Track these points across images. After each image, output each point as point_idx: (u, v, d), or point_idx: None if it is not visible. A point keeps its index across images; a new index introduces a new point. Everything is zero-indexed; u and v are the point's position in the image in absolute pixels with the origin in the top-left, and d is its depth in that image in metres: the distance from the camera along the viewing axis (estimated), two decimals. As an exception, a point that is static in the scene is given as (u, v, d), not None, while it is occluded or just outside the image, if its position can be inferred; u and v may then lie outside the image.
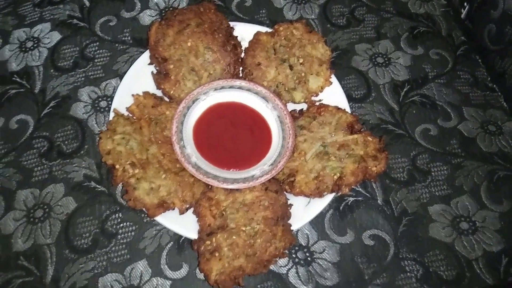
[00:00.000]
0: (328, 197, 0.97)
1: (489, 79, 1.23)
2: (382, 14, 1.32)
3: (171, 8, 1.30)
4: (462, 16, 1.36)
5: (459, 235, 1.01)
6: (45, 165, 1.05)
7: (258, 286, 0.95)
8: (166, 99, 1.08)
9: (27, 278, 0.94)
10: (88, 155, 1.07)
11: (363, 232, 1.00)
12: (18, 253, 0.96)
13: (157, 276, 0.95)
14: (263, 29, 1.15)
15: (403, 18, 1.31)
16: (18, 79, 1.17)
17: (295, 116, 1.06)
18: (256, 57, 1.09)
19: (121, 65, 1.19)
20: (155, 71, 1.10)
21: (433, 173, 1.08)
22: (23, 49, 1.22)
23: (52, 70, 1.18)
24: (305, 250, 0.98)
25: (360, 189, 1.05)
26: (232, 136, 1.03)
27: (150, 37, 1.08)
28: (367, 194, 1.04)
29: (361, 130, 1.01)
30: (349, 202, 1.03)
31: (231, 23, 1.13)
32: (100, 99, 1.15)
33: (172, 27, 1.07)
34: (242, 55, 1.12)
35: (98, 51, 1.21)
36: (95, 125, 1.11)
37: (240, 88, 1.06)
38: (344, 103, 1.08)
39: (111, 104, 1.08)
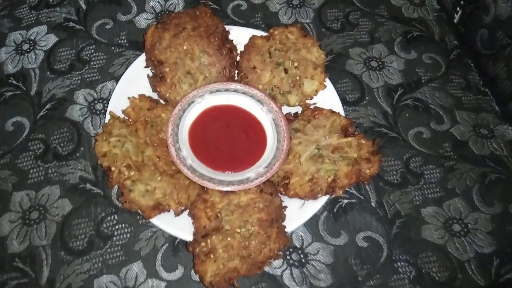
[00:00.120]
0: (322, 199, 0.98)
1: (481, 83, 1.24)
2: (376, 18, 1.33)
3: (167, 12, 1.31)
4: (455, 20, 1.38)
5: (451, 237, 1.02)
6: (41, 167, 1.05)
7: (253, 287, 0.95)
8: (162, 101, 1.08)
9: (22, 280, 0.94)
10: (84, 157, 1.07)
11: (356, 234, 1.01)
12: (13, 255, 0.96)
13: (153, 278, 0.95)
14: (259, 33, 1.16)
15: (397, 22, 1.33)
16: (14, 82, 1.17)
17: (289, 119, 1.07)
18: (252, 61, 1.10)
19: (117, 68, 1.19)
20: (151, 74, 1.10)
21: (426, 176, 1.09)
22: (19, 51, 1.22)
23: (48, 73, 1.19)
24: (300, 251, 0.99)
25: (354, 191, 1.06)
26: (228, 138, 1.04)
27: (146, 40, 1.09)
28: (361, 197, 1.05)
29: (355, 133, 1.02)
30: (343, 204, 1.04)
31: (227, 27, 1.14)
32: (96, 101, 1.15)
33: (168, 30, 1.08)
34: (238, 58, 1.12)
35: (94, 54, 1.22)
36: (91, 127, 1.11)
37: (235, 91, 1.07)
38: (338, 107, 1.09)
39: (107, 106, 1.09)
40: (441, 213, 1.04)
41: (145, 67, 1.11)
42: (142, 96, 1.05)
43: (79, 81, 1.18)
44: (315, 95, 1.10)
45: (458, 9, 1.36)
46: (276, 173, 0.98)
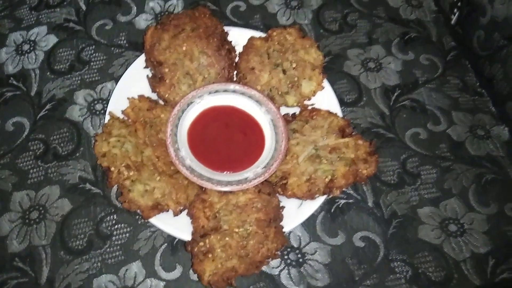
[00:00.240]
0: (320, 200, 0.99)
1: (478, 84, 1.25)
2: (374, 20, 1.33)
3: (166, 13, 1.31)
4: (452, 22, 1.38)
5: (447, 237, 1.03)
6: (41, 167, 1.06)
7: (251, 286, 0.96)
8: (161, 102, 1.09)
9: (22, 279, 0.95)
10: (84, 157, 1.08)
11: (353, 234, 1.02)
12: (13, 254, 0.97)
13: (151, 277, 0.96)
14: (257, 34, 1.16)
15: (394, 23, 1.33)
16: (14, 82, 1.18)
17: (288, 119, 1.08)
18: (250, 62, 1.11)
19: (117, 68, 1.20)
20: (150, 75, 1.11)
21: (422, 176, 1.10)
22: (20, 52, 1.23)
23: (48, 73, 1.19)
24: (297, 251, 1.00)
25: (351, 191, 1.07)
26: (226, 139, 1.05)
27: (145, 41, 1.09)
28: (358, 197, 1.06)
29: (352, 133, 1.03)
30: (340, 204, 1.05)
31: (226, 28, 1.14)
32: (95, 102, 1.16)
33: (168, 31, 1.08)
34: (237, 59, 1.13)
35: (94, 55, 1.22)
36: (91, 127, 1.12)
37: (234, 91, 1.08)
38: (336, 107, 1.10)
39: (106, 107, 1.09)
40: (438, 213, 1.05)
41: (144, 67, 1.12)
42: (141, 97, 1.06)
43: (79, 81, 1.18)
44: (313, 96, 1.11)
45: (455, 10, 1.37)
46: (274, 173, 0.99)
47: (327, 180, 0.97)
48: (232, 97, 1.08)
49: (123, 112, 1.04)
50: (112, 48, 1.24)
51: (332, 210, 1.04)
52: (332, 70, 1.23)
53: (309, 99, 1.11)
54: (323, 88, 1.11)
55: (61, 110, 1.14)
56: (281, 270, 0.98)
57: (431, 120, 1.18)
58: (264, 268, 0.96)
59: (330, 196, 1.00)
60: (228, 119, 1.07)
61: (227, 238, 0.90)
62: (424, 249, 1.01)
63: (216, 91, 1.07)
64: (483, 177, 1.10)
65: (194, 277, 0.94)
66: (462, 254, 1.01)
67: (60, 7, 1.31)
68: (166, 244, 0.99)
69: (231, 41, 1.13)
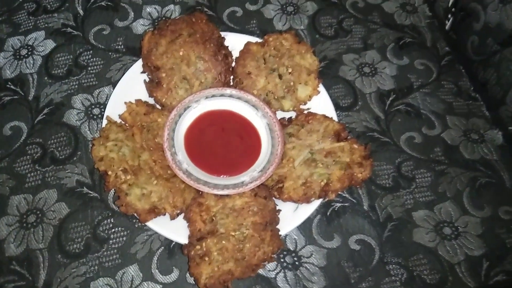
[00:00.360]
0: (316, 203, 0.99)
1: (472, 88, 1.26)
2: (369, 25, 1.35)
3: (163, 18, 1.32)
4: (447, 27, 1.40)
5: (442, 240, 1.04)
6: (38, 171, 1.07)
7: (247, 289, 0.97)
8: (158, 106, 1.10)
9: (20, 283, 0.95)
10: (81, 161, 1.08)
11: (349, 237, 1.03)
12: (10, 258, 0.97)
13: (148, 280, 0.96)
14: (253, 39, 1.18)
15: (389, 29, 1.35)
16: (12, 86, 1.19)
17: (284, 124, 1.09)
18: (247, 67, 1.12)
19: (114, 73, 1.21)
20: (147, 79, 1.12)
21: (417, 180, 1.11)
22: (18, 56, 1.23)
23: (46, 78, 1.20)
24: (293, 254, 1.01)
25: (347, 195, 1.07)
26: (223, 143, 1.06)
27: (143, 46, 1.10)
28: (353, 200, 1.07)
29: (348, 138, 1.04)
30: (336, 207, 1.06)
31: (222, 33, 1.15)
32: (93, 106, 1.17)
33: (165, 36, 1.09)
34: (233, 64, 1.14)
35: (91, 59, 1.23)
36: (88, 132, 1.13)
37: (230, 96, 1.09)
38: (331, 112, 1.11)
39: (104, 111, 1.11)
40: (432, 217, 1.06)
41: (141, 72, 1.13)
42: (138, 101, 1.07)
43: (76, 86, 1.19)
44: (309, 100, 1.12)
45: (449, 16, 1.38)
46: (270, 177, 1.00)
47: (322, 183, 0.97)
48: (229, 102, 1.09)
49: (120, 116, 1.04)
50: (110, 53, 1.25)
51: (328, 213, 1.05)
52: (328, 75, 1.24)
53: (305, 103, 1.12)
54: (318, 92, 1.12)
55: (58, 114, 1.15)
56: (277, 273, 0.99)
57: (425, 124, 1.19)
58: (260, 271, 0.97)
59: (326, 200, 1.01)
60: (225, 124, 1.08)
61: (223, 242, 0.91)
62: (419, 252, 1.02)
63: (213, 96, 1.08)
64: (477, 180, 1.11)
65: (191, 280, 0.95)
66: (457, 257, 1.02)
67: (58, 12, 1.32)
68: (163, 247, 0.99)
69: (227, 46, 1.14)
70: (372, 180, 1.09)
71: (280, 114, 1.11)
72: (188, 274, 0.95)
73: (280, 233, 0.95)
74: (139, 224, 1.00)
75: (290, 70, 1.11)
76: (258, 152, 1.04)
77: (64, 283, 0.95)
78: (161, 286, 0.96)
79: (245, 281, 0.96)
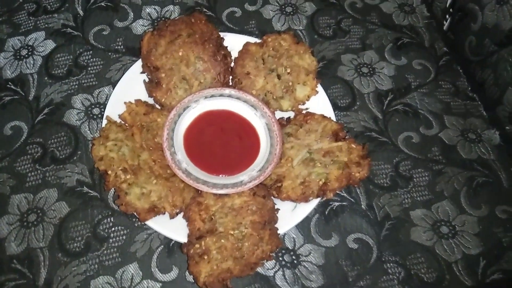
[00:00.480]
0: (314, 202, 1.00)
1: (469, 88, 1.27)
2: (367, 25, 1.36)
3: (163, 18, 1.33)
4: (445, 27, 1.41)
5: (439, 238, 1.04)
6: (39, 171, 1.07)
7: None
8: (158, 106, 1.11)
9: (20, 281, 0.96)
10: (81, 161, 1.09)
11: (347, 236, 1.03)
12: (11, 257, 0.98)
13: (148, 279, 0.97)
14: (252, 39, 1.18)
15: (387, 29, 1.36)
16: (12, 87, 1.19)
17: (282, 123, 1.10)
18: (245, 67, 1.13)
19: (114, 73, 1.22)
20: (147, 80, 1.13)
21: (415, 179, 1.11)
22: (18, 57, 1.24)
23: (46, 78, 1.21)
24: (292, 253, 1.01)
25: (345, 194, 1.08)
26: (222, 143, 1.07)
27: (142, 47, 1.11)
28: (352, 199, 1.08)
29: (346, 137, 1.04)
30: (334, 207, 1.07)
31: (221, 34, 1.16)
32: (93, 106, 1.17)
33: (164, 37, 1.10)
34: (232, 64, 1.15)
35: (91, 60, 1.24)
36: (88, 131, 1.14)
37: (229, 96, 1.09)
38: (329, 112, 1.12)
39: (103, 111, 1.11)
40: (430, 216, 1.07)
41: (141, 72, 1.13)
42: (138, 101, 1.07)
43: (76, 86, 1.20)
44: (307, 100, 1.13)
45: (447, 16, 1.39)
46: (269, 176, 1.00)
47: (320, 183, 0.98)
48: (228, 102, 1.09)
49: (120, 116, 1.05)
50: (109, 53, 1.25)
51: (326, 212, 1.06)
52: (326, 75, 1.25)
53: (304, 103, 1.13)
54: (317, 92, 1.13)
55: (58, 114, 1.15)
56: (276, 272, 0.99)
57: (423, 124, 1.20)
58: (259, 269, 0.98)
59: (324, 199, 1.01)
60: (224, 123, 1.09)
61: (222, 240, 0.92)
62: (416, 251, 1.03)
63: (212, 96, 1.09)
64: (474, 180, 1.12)
65: (190, 278, 0.95)
66: (454, 255, 1.03)
67: (58, 12, 1.33)
68: (162, 246, 1.00)
69: (226, 47, 1.15)
70: (370, 179, 1.10)
71: (278, 114, 1.12)
72: (187, 273, 0.96)
73: (278, 232, 0.96)
74: (139, 223, 1.01)
75: (288, 70, 1.12)
76: (257, 151, 1.05)
77: (65, 282, 0.96)
78: (160, 284, 0.97)
79: (243, 280, 0.97)
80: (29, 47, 1.26)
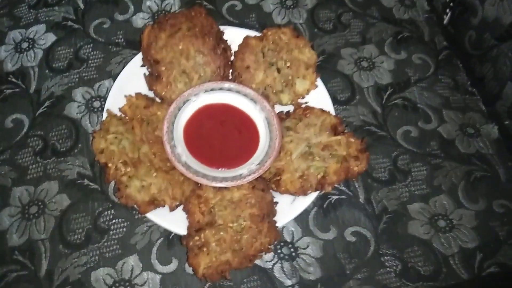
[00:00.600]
0: (312, 195, 1.01)
1: (469, 83, 1.27)
2: (367, 19, 1.36)
3: (163, 12, 1.33)
4: (445, 22, 1.40)
5: (436, 232, 1.05)
6: (40, 163, 1.08)
7: (245, 280, 0.99)
8: (158, 100, 1.11)
9: (22, 272, 0.97)
10: (82, 153, 1.10)
11: (345, 229, 1.04)
12: (13, 248, 0.99)
13: (148, 270, 0.98)
14: (252, 33, 1.18)
15: (387, 23, 1.36)
16: (13, 79, 1.20)
17: (282, 117, 1.10)
18: (245, 61, 1.13)
19: (114, 66, 1.22)
20: (147, 73, 1.13)
21: (413, 173, 1.12)
22: (19, 50, 1.24)
23: (47, 71, 1.21)
24: (290, 246, 1.02)
25: (343, 188, 1.09)
26: (221, 136, 1.07)
27: (142, 40, 1.11)
28: (350, 193, 1.09)
29: (344, 131, 1.05)
30: (333, 200, 1.08)
31: (221, 27, 1.16)
32: (93, 99, 1.18)
33: (164, 30, 1.10)
34: (232, 58, 1.15)
35: (92, 53, 1.24)
36: (89, 124, 1.14)
37: (229, 90, 1.10)
38: (329, 106, 1.12)
39: (104, 104, 1.12)
40: (427, 209, 1.08)
41: (141, 66, 1.14)
42: (138, 95, 1.08)
43: (77, 79, 1.20)
44: (307, 94, 1.13)
45: (447, 10, 1.39)
46: (268, 170, 1.01)
47: (319, 176, 0.99)
48: (228, 95, 1.10)
49: (120, 109, 1.05)
50: (110, 47, 1.26)
51: (325, 205, 1.07)
52: (326, 69, 1.25)
53: (303, 97, 1.13)
54: (316, 86, 1.13)
55: (59, 107, 1.16)
56: (274, 264, 1.00)
57: (422, 118, 1.20)
58: (258, 261, 0.99)
59: (322, 192, 1.02)
60: (224, 117, 1.09)
61: (221, 233, 0.93)
62: (413, 244, 1.04)
63: (212, 89, 1.09)
64: (472, 174, 1.13)
65: (189, 270, 0.96)
66: (451, 249, 1.04)
67: (58, 5, 1.33)
68: (162, 238, 1.01)
69: (226, 40, 1.15)
70: (368, 173, 1.11)
71: (278, 108, 1.12)
72: (186, 264, 0.97)
73: (277, 224, 0.97)
74: (139, 215, 1.02)
75: (288, 64, 1.12)
76: (256, 145, 1.06)
77: (66, 273, 0.97)
78: (160, 276, 0.98)
79: (242, 272, 0.98)
80: (30, 40, 1.26)
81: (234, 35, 1.17)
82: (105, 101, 1.12)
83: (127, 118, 1.04)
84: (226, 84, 1.10)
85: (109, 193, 1.06)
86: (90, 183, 1.07)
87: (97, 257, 0.99)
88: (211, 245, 0.92)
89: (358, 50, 1.30)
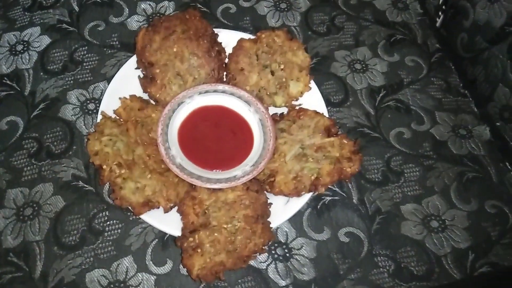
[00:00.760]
0: (306, 197, 1.02)
1: (461, 85, 1.28)
2: (361, 22, 1.37)
3: (158, 14, 1.34)
4: (437, 24, 1.41)
5: (429, 232, 1.06)
6: (35, 165, 1.08)
7: (239, 280, 0.99)
8: (152, 102, 1.12)
9: (17, 274, 0.97)
10: (77, 155, 1.10)
11: (339, 230, 1.05)
12: (7, 250, 0.99)
13: (142, 272, 0.99)
14: (247, 36, 1.19)
15: (381, 26, 1.37)
16: (8, 82, 1.20)
17: (276, 119, 1.11)
18: (240, 63, 1.14)
19: (109, 69, 1.22)
20: (142, 75, 1.13)
21: (406, 174, 1.13)
22: (13, 52, 1.25)
23: (41, 73, 1.21)
24: (284, 246, 1.03)
25: (337, 189, 1.10)
26: (216, 138, 1.08)
27: (137, 43, 1.12)
28: (343, 194, 1.09)
29: (338, 133, 1.06)
30: (326, 201, 1.08)
31: (216, 30, 1.17)
32: (88, 101, 1.18)
33: (159, 33, 1.11)
34: (226, 60, 1.16)
35: (86, 55, 1.25)
36: (83, 127, 1.14)
37: (223, 92, 1.11)
38: (322, 108, 1.13)
39: (99, 106, 1.12)
40: (420, 210, 1.09)
41: (136, 68, 1.14)
42: (133, 97, 1.08)
43: (72, 81, 1.21)
44: (301, 96, 1.14)
45: (440, 13, 1.40)
46: (262, 171, 1.01)
47: (313, 178, 1.00)
48: (222, 97, 1.10)
49: (115, 111, 1.06)
50: (105, 49, 1.26)
51: (318, 206, 1.08)
52: (320, 71, 1.26)
53: (297, 99, 1.14)
54: (310, 89, 1.14)
55: (54, 109, 1.16)
56: (268, 265, 1.01)
57: (415, 120, 1.21)
58: (252, 262, 0.99)
59: (316, 194, 1.03)
60: (218, 119, 1.10)
61: (215, 234, 0.93)
62: (406, 244, 1.05)
63: (206, 92, 1.10)
64: (464, 175, 1.14)
65: (184, 271, 0.97)
66: (443, 249, 1.04)
67: (53, 8, 1.33)
68: (157, 239, 1.02)
69: (221, 43, 1.16)
70: (361, 174, 1.11)
71: (272, 110, 1.13)
72: (181, 266, 0.97)
73: (271, 225, 0.97)
74: (134, 217, 1.02)
75: (282, 67, 1.13)
76: (251, 147, 1.06)
77: (60, 274, 0.97)
78: (155, 277, 0.98)
79: (237, 272, 0.98)
80: (25, 43, 1.26)
81: (228, 38, 1.18)
82: (99, 103, 1.12)
83: (121, 120, 1.05)
84: (220, 86, 1.11)
85: (104, 195, 1.06)
86: (85, 185, 1.07)
87: (91, 259, 0.99)
88: (205, 246, 0.92)
89: (351, 52, 1.31)
